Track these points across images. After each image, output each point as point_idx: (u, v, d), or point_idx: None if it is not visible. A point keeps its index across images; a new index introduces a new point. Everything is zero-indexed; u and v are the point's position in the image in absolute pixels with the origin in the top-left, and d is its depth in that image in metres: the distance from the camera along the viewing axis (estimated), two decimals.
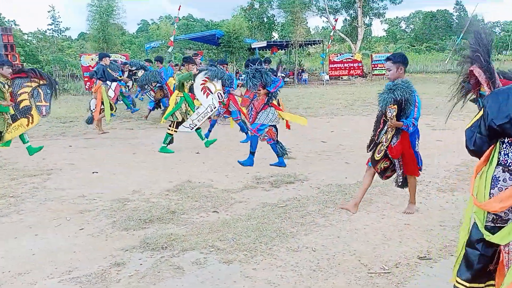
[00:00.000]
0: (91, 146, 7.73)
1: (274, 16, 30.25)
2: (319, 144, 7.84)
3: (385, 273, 3.09)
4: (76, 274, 3.09)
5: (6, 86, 5.73)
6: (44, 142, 8.19)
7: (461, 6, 59.83)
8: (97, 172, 5.91)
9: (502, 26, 64.91)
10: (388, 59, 3.95)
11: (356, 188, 5.07)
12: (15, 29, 43.50)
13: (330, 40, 28.74)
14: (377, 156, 4.02)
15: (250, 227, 3.90)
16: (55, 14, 31.39)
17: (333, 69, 28.50)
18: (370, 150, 4.09)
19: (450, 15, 60.26)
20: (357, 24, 29.77)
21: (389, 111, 3.77)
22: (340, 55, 29.32)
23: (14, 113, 5.89)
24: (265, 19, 29.79)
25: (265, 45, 26.47)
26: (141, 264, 3.24)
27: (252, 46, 25.40)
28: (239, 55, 25.50)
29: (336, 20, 30.58)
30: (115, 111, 9.56)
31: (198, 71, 6.83)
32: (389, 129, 3.89)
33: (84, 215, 4.29)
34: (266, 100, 6.04)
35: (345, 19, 33.89)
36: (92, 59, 21.22)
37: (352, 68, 28.78)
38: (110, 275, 3.07)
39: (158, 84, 10.17)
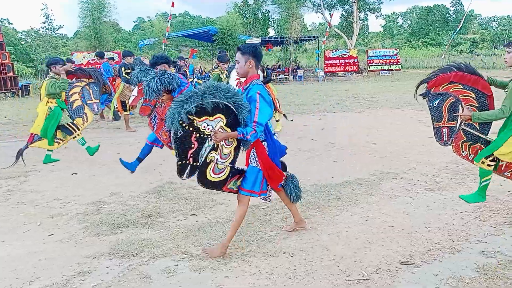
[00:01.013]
0: (75, 147, 7.53)
1: (269, 12, 29.96)
2: (309, 142, 7.67)
3: (364, 279, 2.92)
4: (37, 285, 2.92)
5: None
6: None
7: (457, 1, 59.62)
8: (76, 174, 5.73)
9: (499, 21, 64.80)
10: (238, 49, 3.31)
11: (342, 188, 4.91)
12: (8, 28, 43.28)
13: (326, 36, 28.52)
14: (218, 177, 3.23)
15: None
16: (48, 12, 30.97)
17: (329, 65, 28.38)
18: (187, 177, 3.19)
19: (447, 10, 60.08)
20: (353, 19, 29.55)
21: (208, 124, 3.00)
22: (336, 51, 29.16)
23: (69, 114, 6.12)
24: (260, 16, 29.50)
25: (260, 41, 26.23)
26: (107, 273, 3.07)
27: (247, 42, 25.16)
28: (233, 52, 25.26)
29: (331, 16, 30.41)
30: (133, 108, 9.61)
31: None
32: (222, 143, 3.11)
33: (56, 220, 4.11)
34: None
35: (342, 14, 33.69)
36: (84, 57, 21.01)
37: (347, 64, 28.67)
38: (73, 285, 2.90)
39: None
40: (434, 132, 4.09)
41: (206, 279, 2.96)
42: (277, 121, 8.75)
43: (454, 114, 3.96)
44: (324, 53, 28.82)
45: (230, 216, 4.10)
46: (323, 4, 30.16)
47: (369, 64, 28.88)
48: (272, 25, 33.70)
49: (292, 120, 10.20)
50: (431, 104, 4.02)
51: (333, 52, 28.95)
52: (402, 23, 75.41)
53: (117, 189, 5.02)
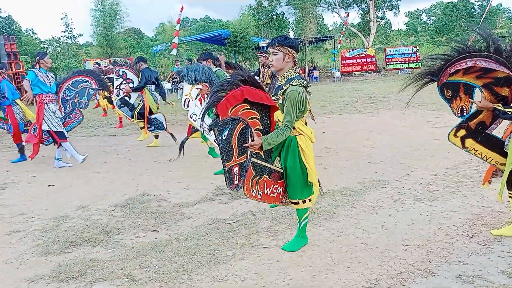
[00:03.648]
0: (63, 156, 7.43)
1: (284, 14, 29.61)
2: None
3: None
4: None
5: None
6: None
7: None
8: (53, 185, 5.57)
9: None
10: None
11: (323, 199, 4.54)
12: (32, 38, 44.51)
13: (341, 36, 27.92)
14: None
15: (182, 250, 3.43)
16: (68, 21, 31.64)
17: (345, 65, 27.74)
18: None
19: (471, 4, 58.00)
20: (369, 18, 28.82)
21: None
22: (352, 50, 28.49)
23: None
24: (274, 17, 29.17)
25: None
26: None
27: (260, 45, 24.89)
28: (247, 54, 25.03)
29: (347, 15, 29.76)
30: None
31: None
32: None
33: (11, 237, 3.92)
34: None
35: (360, 13, 32.97)
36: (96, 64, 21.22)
37: (365, 63, 27.95)
38: None
39: None
40: (225, 176, 2.93)
41: None
42: None
43: (244, 145, 2.93)
44: (341, 53, 28.21)
45: (192, 233, 3.80)
46: (339, 3, 29.55)
47: (388, 63, 28.01)
48: (287, 26, 33.31)
49: None
50: (220, 138, 2.84)
51: (349, 51, 28.29)
52: (426, 20, 73.57)
53: (87, 202, 4.81)
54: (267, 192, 3.20)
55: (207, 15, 79.57)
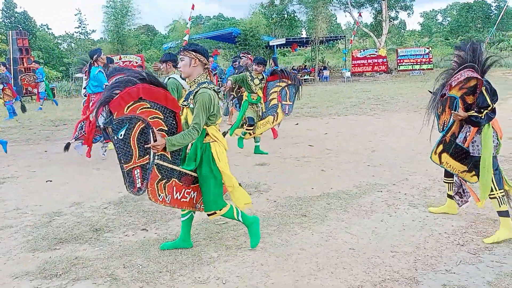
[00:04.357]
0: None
1: (295, 12, 29.47)
2: (304, 149, 7.25)
3: None
4: None
5: (257, 81, 6.41)
6: (22, 147, 8.07)
7: None
8: (51, 181, 5.62)
9: None
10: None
11: (316, 202, 4.50)
12: (47, 33, 45.04)
13: (353, 36, 27.68)
14: None
15: (168, 251, 3.42)
16: (82, 17, 31.95)
17: (356, 65, 27.52)
18: None
19: (488, 5, 57.07)
20: (382, 18, 28.53)
21: None
22: (363, 50, 28.24)
23: (265, 111, 6.56)
24: (286, 16, 29.06)
25: (284, 42, 25.79)
26: None
27: (270, 44, 24.84)
28: (257, 53, 24.97)
29: (360, 15, 29.51)
30: None
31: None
32: None
33: (2, 232, 3.96)
34: None
35: (373, 13, 32.64)
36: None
37: (376, 64, 27.70)
38: None
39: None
40: (124, 178, 2.83)
41: None
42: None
43: (146, 146, 2.83)
44: (352, 53, 27.99)
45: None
46: (351, 2, 29.29)
47: (399, 64, 27.71)
48: (298, 25, 33.17)
49: (297, 124, 9.79)
50: (115, 137, 2.74)
51: (360, 51, 28.05)
52: (442, 21, 72.60)
53: (81, 199, 4.84)
54: (177, 197, 3.08)
55: (220, 13, 79.69)
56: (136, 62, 20.93)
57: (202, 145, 3.10)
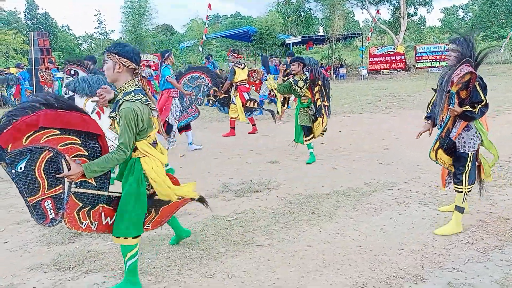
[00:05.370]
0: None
1: (311, 10, 29.32)
2: (317, 147, 7.23)
3: None
4: None
5: (301, 83, 6.04)
6: None
7: None
8: None
9: None
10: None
11: (326, 199, 4.51)
12: (67, 34, 45.97)
13: (370, 33, 27.37)
14: None
15: (177, 246, 3.50)
16: (101, 18, 32.56)
17: (373, 63, 27.17)
18: None
19: (511, 0, 55.56)
20: (400, 14, 28.13)
21: None
22: (381, 48, 27.90)
23: (314, 112, 6.22)
24: (302, 13, 28.94)
25: (300, 40, 25.70)
26: (34, 287, 2.96)
27: (286, 42, 24.78)
28: (273, 51, 24.97)
29: (378, 12, 29.13)
30: None
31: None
32: None
33: (20, 226, 4.10)
34: None
35: (391, 9, 32.22)
36: None
37: (394, 61, 27.28)
38: None
39: None
40: (31, 212, 2.53)
41: None
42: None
43: (57, 176, 2.56)
44: (369, 50, 27.69)
45: (191, 228, 3.84)
46: None
47: (418, 61, 27.26)
48: (315, 23, 32.97)
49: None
50: (14, 171, 2.42)
51: (378, 49, 27.70)
52: (463, 16, 71.10)
53: None
54: (107, 222, 2.81)
55: (237, 12, 79.82)
56: (154, 62, 21.29)
57: (131, 160, 2.78)
